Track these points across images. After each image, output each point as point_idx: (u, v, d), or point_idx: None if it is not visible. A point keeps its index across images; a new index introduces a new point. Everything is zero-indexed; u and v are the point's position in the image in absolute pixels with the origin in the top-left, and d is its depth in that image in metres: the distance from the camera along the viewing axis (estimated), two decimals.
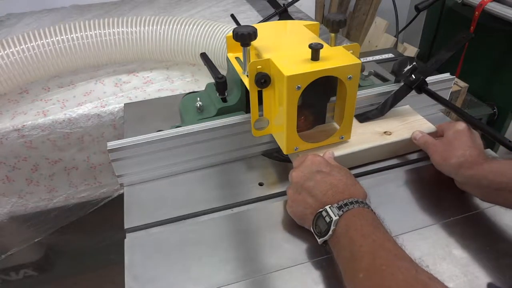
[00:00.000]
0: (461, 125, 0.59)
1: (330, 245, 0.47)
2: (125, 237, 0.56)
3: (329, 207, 0.47)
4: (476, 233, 0.54)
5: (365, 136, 0.66)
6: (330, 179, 0.51)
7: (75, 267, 1.29)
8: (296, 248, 0.53)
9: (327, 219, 0.47)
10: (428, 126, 0.68)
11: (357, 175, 0.65)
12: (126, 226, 0.58)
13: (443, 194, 0.61)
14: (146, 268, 0.51)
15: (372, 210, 0.48)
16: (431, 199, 0.60)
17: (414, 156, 0.69)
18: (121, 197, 0.64)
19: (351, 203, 0.47)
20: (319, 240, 0.48)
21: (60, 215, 1.07)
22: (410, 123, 0.69)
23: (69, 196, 1.05)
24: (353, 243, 0.43)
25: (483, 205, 0.58)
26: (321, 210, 0.48)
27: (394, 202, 0.60)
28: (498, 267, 0.49)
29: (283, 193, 0.62)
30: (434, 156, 0.59)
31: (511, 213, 0.55)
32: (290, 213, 0.54)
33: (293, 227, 0.56)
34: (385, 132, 0.67)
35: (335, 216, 0.46)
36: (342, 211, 0.46)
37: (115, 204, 1.07)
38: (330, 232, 0.46)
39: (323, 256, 0.51)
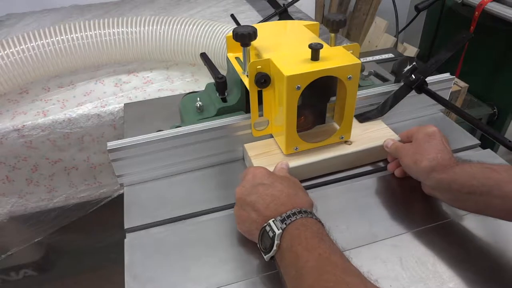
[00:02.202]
0: (432, 128, 0.57)
1: (277, 261, 0.45)
2: (125, 237, 0.56)
3: (273, 221, 0.45)
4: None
5: (322, 146, 0.64)
6: (272, 191, 0.48)
7: (75, 267, 1.29)
8: None
9: (271, 233, 0.44)
10: (392, 135, 0.66)
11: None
12: (126, 226, 0.57)
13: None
14: (146, 268, 0.51)
15: (317, 220, 0.46)
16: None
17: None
18: (121, 197, 0.64)
19: (294, 214, 0.45)
20: (265, 257, 0.45)
21: (60, 215, 1.07)
22: (373, 132, 0.67)
23: (69, 196, 1.05)
24: (298, 258, 0.41)
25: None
26: (265, 224, 0.46)
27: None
28: (497, 268, 0.50)
29: None
30: (404, 159, 0.57)
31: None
32: (240, 231, 0.52)
33: None
34: (345, 142, 0.65)
35: (278, 230, 0.44)
36: (285, 224, 0.44)
37: (115, 204, 1.07)
38: (275, 248, 0.43)
39: None
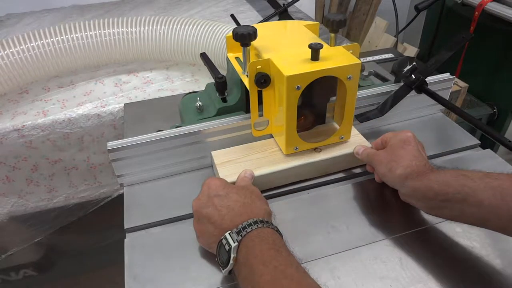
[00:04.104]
0: (406, 134, 0.55)
1: (236, 275, 0.44)
2: (125, 237, 0.56)
3: (229, 234, 0.44)
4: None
5: (292, 153, 0.62)
6: (227, 202, 0.48)
7: (75, 267, 1.29)
8: (296, 248, 0.53)
9: (227, 247, 0.43)
10: (363, 141, 0.65)
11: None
12: (126, 226, 0.57)
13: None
14: (146, 268, 0.51)
15: (274, 229, 0.45)
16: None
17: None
18: (121, 197, 0.64)
19: (250, 225, 0.44)
20: (223, 271, 0.44)
21: (60, 215, 1.07)
22: None
23: (69, 196, 1.05)
24: (254, 272, 0.40)
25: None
26: (221, 237, 0.45)
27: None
28: (497, 269, 0.50)
29: (282, 193, 0.62)
30: (379, 167, 0.55)
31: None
32: (200, 244, 0.52)
33: (293, 227, 0.56)
34: (315, 149, 0.63)
35: (234, 243, 0.43)
36: (241, 235, 0.43)
37: (115, 204, 1.07)
38: (231, 261, 0.42)
39: (323, 256, 0.51)
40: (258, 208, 0.48)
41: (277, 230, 0.46)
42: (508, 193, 0.42)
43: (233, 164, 0.61)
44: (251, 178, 0.58)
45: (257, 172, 0.59)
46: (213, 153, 0.64)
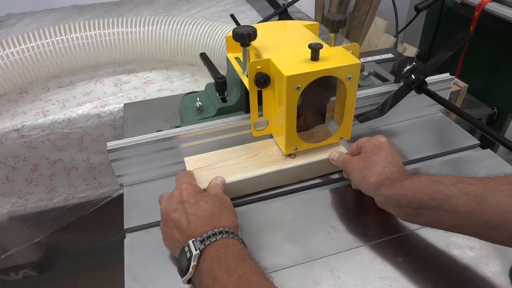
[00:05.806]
0: (380, 139, 0.54)
1: (196, 285, 0.44)
2: (125, 237, 0.56)
3: (192, 241, 0.44)
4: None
5: (265, 159, 0.62)
6: (195, 210, 0.47)
7: (75, 267, 1.29)
8: (296, 248, 0.53)
9: (188, 254, 0.43)
10: (339, 147, 0.64)
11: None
12: (126, 226, 0.58)
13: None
14: (146, 268, 0.51)
15: (239, 240, 0.45)
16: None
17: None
18: (121, 197, 0.64)
19: (215, 234, 0.44)
20: (182, 280, 0.44)
21: (60, 215, 1.07)
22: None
23: (69, 196, 1.05)
24: (218, 282, 0.40)
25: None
26: (184, 245, 0.45)
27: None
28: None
29: (283, 193, 0.62)
30: (353, 174, 0.54)
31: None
32: (166, 247, 0.51)
33: (293, 227, 0.56)
34: (289, 155, 0.62)
35: (196, 251, 0.43)
36: (204, 244, 0.43)
37: (115, 204, 1.07)
38: (191, 269, 0.42)
39: (322, 257, 0.52)
40: (225, 219, 0.48)
41: (242, 242, 0.46)
42: (483, 199, 0.42)
43: (206, 170, 0.61)
44: (222, 185, 0.57)
45: (229, 179, 0.58)
46: (186, 159, 0.63)
